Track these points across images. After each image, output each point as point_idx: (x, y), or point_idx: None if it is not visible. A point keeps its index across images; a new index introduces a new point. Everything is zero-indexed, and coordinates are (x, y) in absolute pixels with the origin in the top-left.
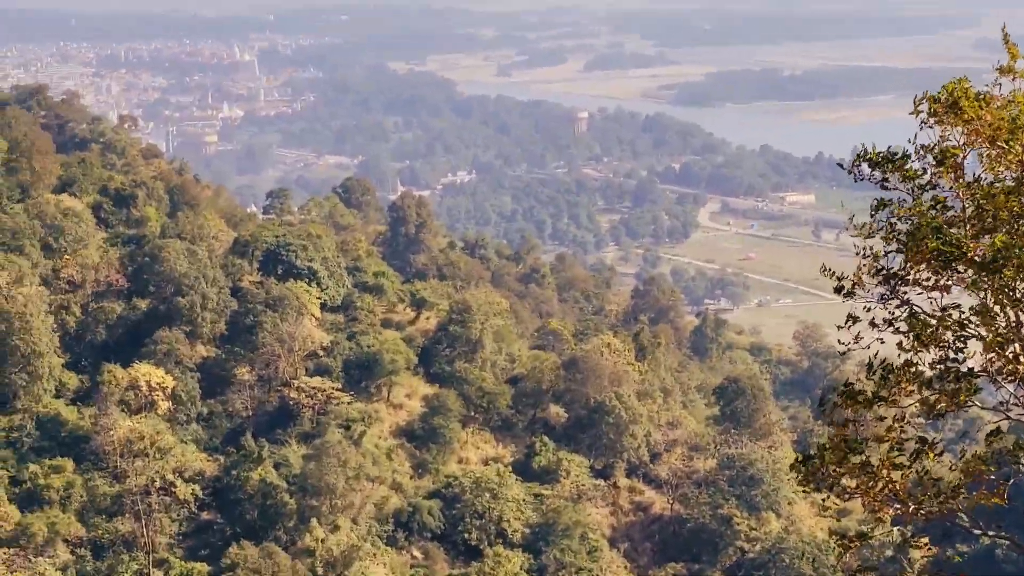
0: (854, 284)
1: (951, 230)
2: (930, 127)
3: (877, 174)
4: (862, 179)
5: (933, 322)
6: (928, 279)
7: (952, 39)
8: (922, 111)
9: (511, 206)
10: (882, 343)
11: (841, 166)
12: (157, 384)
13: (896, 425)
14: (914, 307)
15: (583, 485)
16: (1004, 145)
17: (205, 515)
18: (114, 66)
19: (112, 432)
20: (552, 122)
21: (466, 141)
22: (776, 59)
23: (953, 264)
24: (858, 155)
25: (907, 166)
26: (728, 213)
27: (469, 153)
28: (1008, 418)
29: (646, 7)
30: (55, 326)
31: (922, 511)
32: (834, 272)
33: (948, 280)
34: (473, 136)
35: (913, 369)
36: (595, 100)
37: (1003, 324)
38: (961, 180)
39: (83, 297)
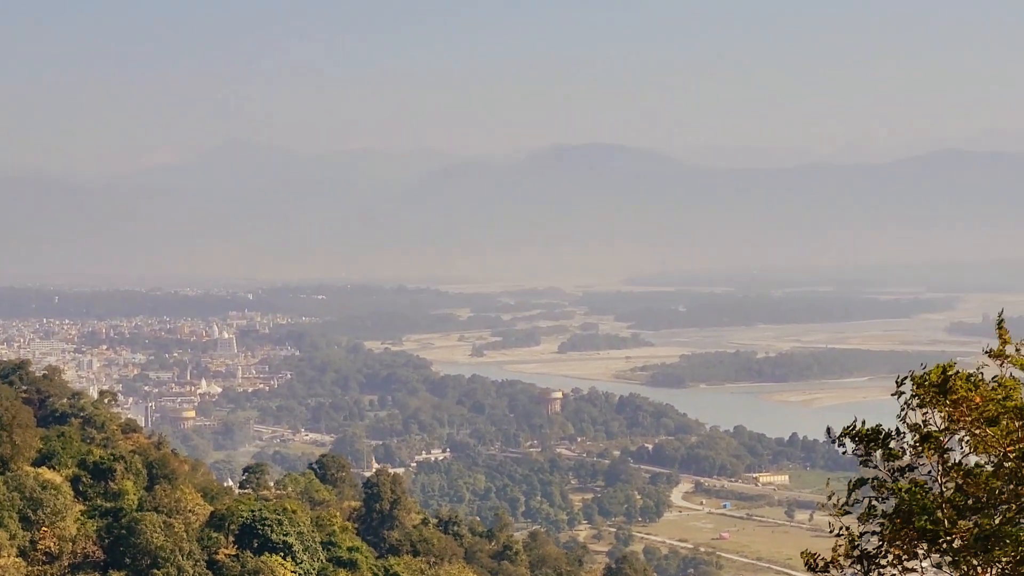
0: (828, 563)
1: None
2: (912, 408)
3: (860, 450)
4: (844, 454)
5: None
6: (904, 558)
7: (926, 323)
8: (904, 391)
9: (485, 484)
10: None
11: (829, 433)
12: None
13: None
14: None
15: None
16: (988, 430)
17: None
18: (95, 342)
19: None
20: (526, 402)
21: (441, 420)
22: (750, 342)
23: (936, 544)
24: (844, 429)
25: (890, 445)
26: (701, 493)
27: (444, 431)
28: None
29: (621, 289)
30: None
31: None
32: (810, 552)
33: (925, 560)
34: (448, 415)
35: None
36: (569, 380)
37: None
38: (944, 462)
39: (60, 569)
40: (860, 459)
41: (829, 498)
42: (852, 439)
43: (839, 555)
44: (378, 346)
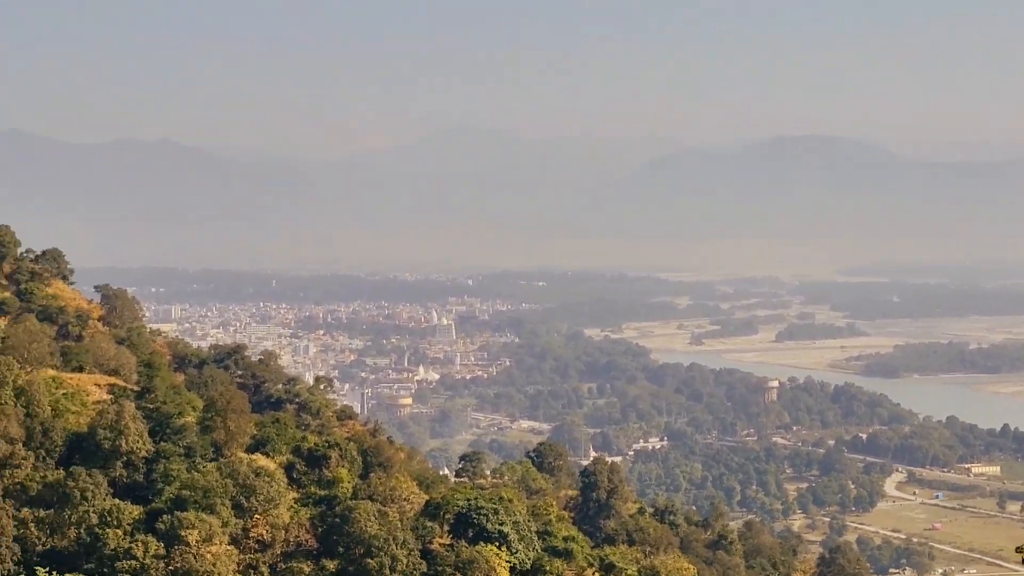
0: None
1: None
2: None
3: None
4: None
5: None
6: None
7: None
8: None
9: (701, 473)
10: None
11: None
12: None
13: None
14: None
15: None
16: None
17: None
18: (312, 327)
19: None
20: (743, 390)
21: (659, 408)
22: (963, 333)
23: None
24: None
25: None
26: (914, 483)
27: (661, 420)
28: None
29: (836, 280)
30: None
31: None
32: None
33: None
34: (666, 403)
35: None
36: (785, 369)
37: None
38: None
39: (272, 557)
40: None
41: None
42: None
43: None
44: (598, 333)
